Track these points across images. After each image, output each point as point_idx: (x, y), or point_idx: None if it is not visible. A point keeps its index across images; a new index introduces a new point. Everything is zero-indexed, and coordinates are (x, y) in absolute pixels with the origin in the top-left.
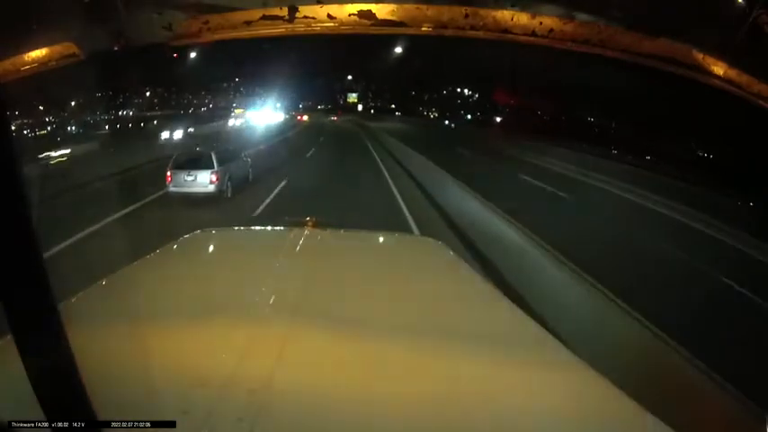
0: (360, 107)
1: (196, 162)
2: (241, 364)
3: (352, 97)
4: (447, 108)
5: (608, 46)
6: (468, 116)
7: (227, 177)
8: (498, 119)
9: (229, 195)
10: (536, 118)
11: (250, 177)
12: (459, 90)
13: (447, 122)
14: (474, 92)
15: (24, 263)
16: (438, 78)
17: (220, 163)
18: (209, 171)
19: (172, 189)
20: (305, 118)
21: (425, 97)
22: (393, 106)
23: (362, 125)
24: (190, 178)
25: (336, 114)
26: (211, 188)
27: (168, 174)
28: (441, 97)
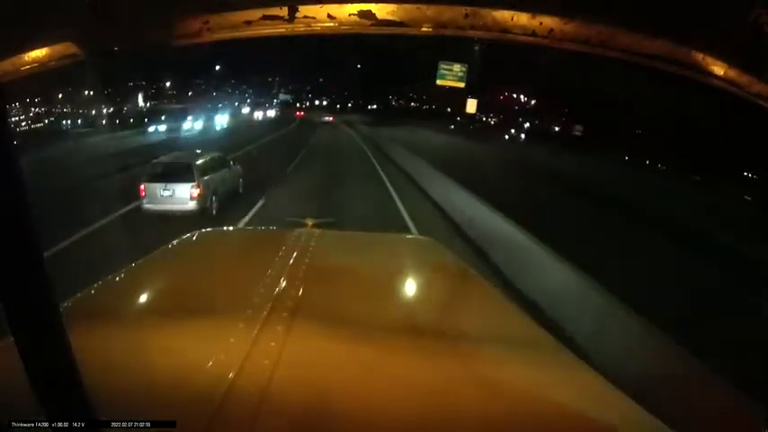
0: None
1: (174, 173)
2: (241, 364)
3: (453, 72)
4: (503, 114)
5: (608, 46)
6: (527, 124)
7: (211, 191)
8: (557, 128)
9: (215, 213)
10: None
11: (241, 189)
12: (515, 96)
13: (513, 132)
14: (530, 98)
15: (24, 263)
16: (493, 83)
17: (203, 173)
18: (190, 184)
19: (146, 206)
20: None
21: (482, 101)
22: (449, 110)
23: None
24: (166, 193)
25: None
26: (192, 205)
27: (142, 187)
28: (498, 103)
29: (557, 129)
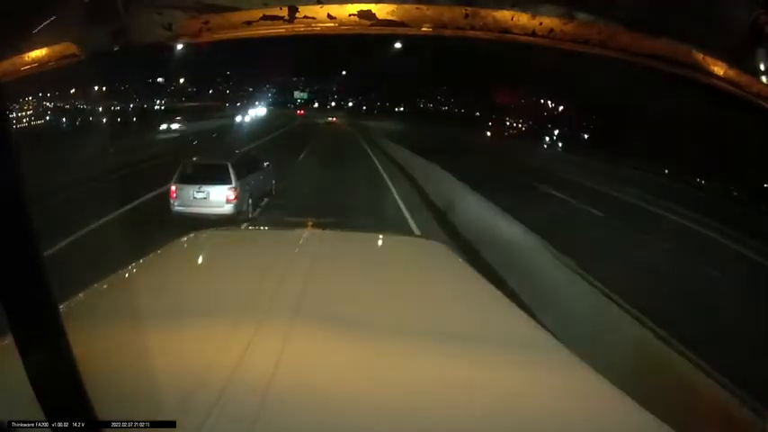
0: None
1: (208, 175)
2: (241, 363)
3: None
4: (531, 119)
5: (608, 46)
6: (556, 131)
7: (248, 193)
8: (585, 135)
9: (251, 216)
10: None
11: (274, 190)
12: (542, 101)
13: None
14: (557, 104)
15: (24, 263)
16: (521, 87)
17: (240, 175)
18: (226, 186)
19: (178, 208)
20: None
21: (511, 106)
22: (478, 114)
23: None
24: (200, 195)
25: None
26: (228, 208)
27: (173, 188)
28: (525, 107)
29: (586, 136)
